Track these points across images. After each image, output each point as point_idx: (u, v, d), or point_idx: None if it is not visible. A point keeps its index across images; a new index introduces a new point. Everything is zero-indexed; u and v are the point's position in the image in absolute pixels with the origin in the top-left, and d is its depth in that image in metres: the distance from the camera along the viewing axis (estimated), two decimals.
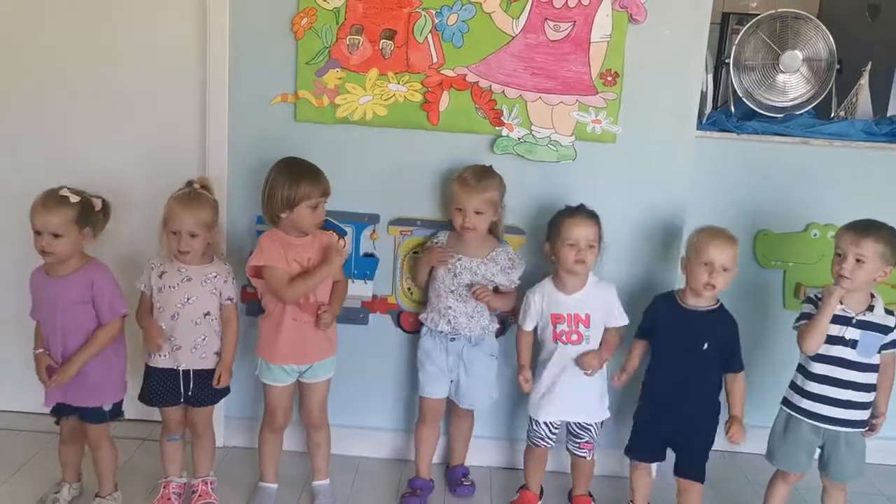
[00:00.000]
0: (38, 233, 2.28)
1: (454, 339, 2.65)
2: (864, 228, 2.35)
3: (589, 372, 2.55)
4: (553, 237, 2.56)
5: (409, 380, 2.93)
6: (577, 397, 2.60)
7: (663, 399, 2.53)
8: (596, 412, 2.63)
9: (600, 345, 2.58)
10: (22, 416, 3.04)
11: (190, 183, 2.49)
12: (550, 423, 2.62)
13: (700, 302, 2.48)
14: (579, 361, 2.54)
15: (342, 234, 2.79)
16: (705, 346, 2.46)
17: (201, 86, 2.78)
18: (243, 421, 2.93)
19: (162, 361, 2.47)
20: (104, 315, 2.38)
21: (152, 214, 2.63)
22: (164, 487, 2.58)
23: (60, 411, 2.45)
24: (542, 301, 2.59)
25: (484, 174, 2.59)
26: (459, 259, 2.61)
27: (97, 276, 2.38)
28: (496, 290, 2.65)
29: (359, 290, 2.84)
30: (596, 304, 2.57)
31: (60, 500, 2.54)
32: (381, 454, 3.01)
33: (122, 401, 2.49)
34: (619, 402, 2.75)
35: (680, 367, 2.49)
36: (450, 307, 2.62)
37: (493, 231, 2.67)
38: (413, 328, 2.88)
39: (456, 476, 2.82)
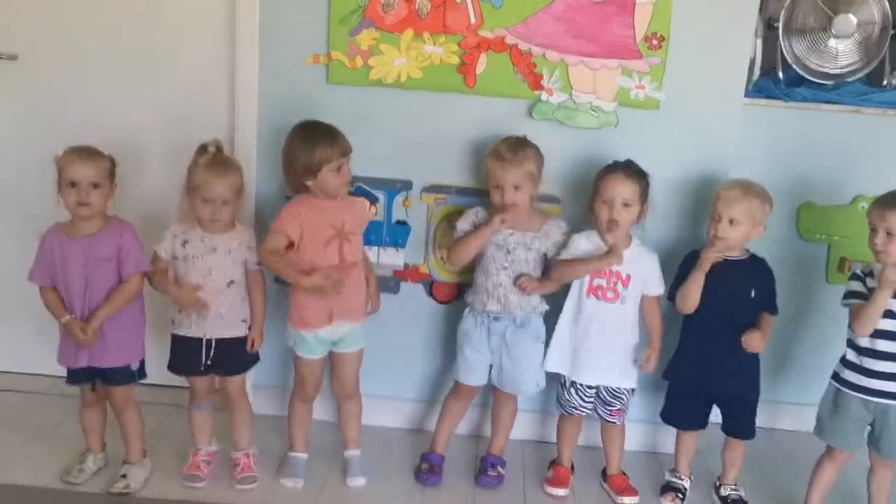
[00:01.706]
0: (72, 185, 2.23)
1: (498, 318, 2.56)
2: (890, 200, 2.31)
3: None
4: (593, 194, 2.51)
5: (440, 350, 2.87)
6: (608, 360, 2.53)
7: (707, 353, 2.48)
8: (626, 377, 2.57)
9: (649, 333, 2.55)
10: (35, 378, 3.02)
11: (204, 147, 2.41)
12: (582, 386, 2.56)
13: (733, 252, 2.45)
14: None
15: (374, 200, 2.73)
16: (752, 293, 2.44)
17: (230, 45, 2.71)
18: (272, 389, 2.89)
19: (188, 331, 2.42)
20: (129, 268, 2.33)
21: (176, 176, 2.57)
22: (193, 455, 2.54)
23: (82, 377, 2.40)
24: (585, 244, 2.51)
25: (519, 146, 2.49)
26: (512, 234, 2.52)
27: (125, 232, 2.34)
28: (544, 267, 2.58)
29: (390, 258, 2.78)
30: (638, 266, 2.50)
31: (86, 471, 2.49)
32: (410, 425, 2.97)
33: (144, 360, 2.46)
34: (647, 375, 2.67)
35: (723, 317, 2.45)
36: (500, 284, 2.53)
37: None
38: (446, 298, 2.82)
39: (485, 465, 2.68)
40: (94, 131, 2.49)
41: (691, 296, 2.44)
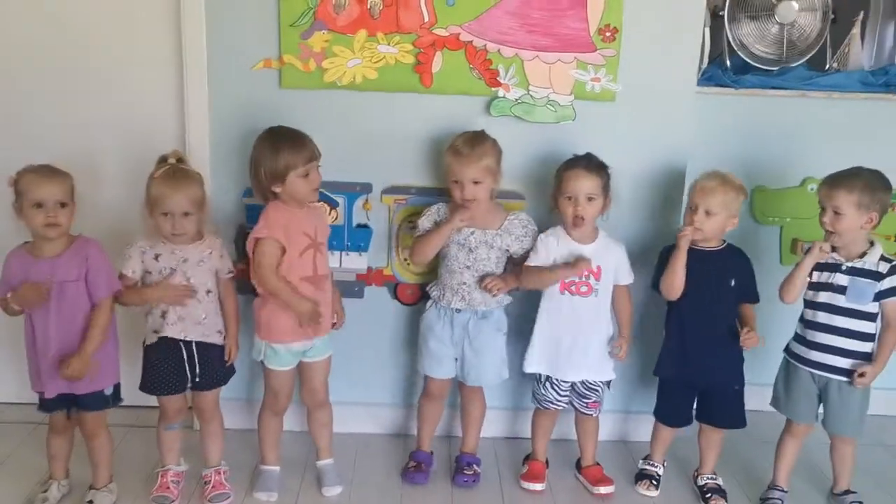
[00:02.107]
0: (39, 205, 2.15)
1: (460, 310, 2.55)
2: (835, 179, 2.38)
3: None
4: (555, 190, 2.51)
5: (407, 352, 2.85)
6: (585, 355, 2.53)
7: (692, 346, 2.50)
8: (603, 371, 2.57)
9: (619, 323, 2.57)
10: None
11: (164, 158, 2.35)
12: (558, 381, 2.56)
13: (710, 243, 2.48)
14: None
15: (334, 204, 2.68)
16: (732, 282, 2.46)
17: (177, 53, 2.63)
18: (239, 403, 2.82)
19: (170, 330, 2.34)
20: (101, 291, 2.26)
21: (130, 189, 2.54)
22: (162, 476, 2.46)
23: (55, 404, 2.30)
24: (555, 245, 2.51)
25: (477, 140, 2.47)
26: (473, 233, 2.50)
27: (91, 251, 2.25)
28: (509, 260, 2.57)
29: (353, 262, 2.74)
30: (607, 258, 2.51)
31: (50, 499, 2.39)
32: (382, 430, 2.94)
33: (119, 383, 2.37)
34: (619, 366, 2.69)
35: (707, 308, 2.47)
36: (465, 283, 2.52)
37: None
38: (411, 300, 2.79)
39: (461, 464, 2.67)
40: (39, 149, 2.40)
41: (676, 279, 2.45)
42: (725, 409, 2.56)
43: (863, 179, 2.35)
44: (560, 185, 2.48)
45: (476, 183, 2.44)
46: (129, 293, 2.33)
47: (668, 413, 2.62)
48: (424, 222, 2.57)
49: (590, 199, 2.44)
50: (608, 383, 2.61)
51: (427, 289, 2.64)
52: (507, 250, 2.55)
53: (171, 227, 2.27)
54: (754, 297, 2.51)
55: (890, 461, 2.92)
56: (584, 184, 2.43)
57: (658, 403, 2.64)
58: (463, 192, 2.45)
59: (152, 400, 2.43)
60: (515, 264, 2.58)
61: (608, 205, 2.51)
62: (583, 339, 2.53)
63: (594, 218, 2.49)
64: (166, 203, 2.25)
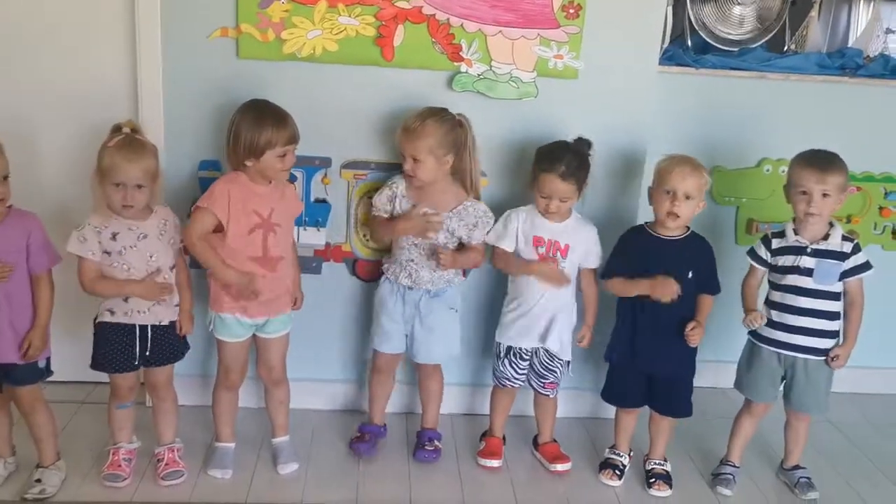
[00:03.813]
0: None
1: (412, 288, 2.53)
2: (826, 164, 2.38)
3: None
4: (532, 176, 2.49)
5: (365, 328, 2.82)
6: (548, 323, 2.53)
7: (645, 333, 2.49)
8: (562, 348, 2.57)
9: (585, 308, 2.58)
10: None
11: (118, 127, 2.27)
12: (517, 356, 2.56)
13: (671, 231, 2.45)
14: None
15: (292, 179, 2.63)
16: (689, 274, 2.44)
17: (129, 18, 2.54)
18: (193, 378, 2.77)
19: (136, 318, 2.29)
20: (42, 264, 2.21)
21: (76, 162, 2.46)
22: (113, 454, 2.41)
23: None
24: (524, 223, 2.51)
25: (427, 116, 2.42)
26: (424, 213, 2.46)
27: (33, 224, 2.20)
28: (460, 245, 2.54)
29: (311, 238, 2.70)
30: (576, 239, 2.51)
31: None
32: (337, 405, 2.92)
33: (50, 356, 2.31)
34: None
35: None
36: (412, 260, 2.50)
37: (463, 181, 2.52)
38: (370, 276, 2.77)
39: (422, 440, 2.67)
40: None
41: (627, 294, 2.47)
42: (671, 398, 2.56)
43: (841, 162, 2.39)
44: (536, 180, 2.46)
45: (415, 160, 2.40)
46: (104, 283, 2.26)
47: (615, 394, 2.62)
48: (380, 201, 2.54)
49: (563, 200, 2.44)
50: (567, 364, 2.61)
51: (382, 267, 2.61)
52: (455, 233, 2.51)
53: (123, 198, 2.20)
54: (714, 289, 2.50)
55: (836, 437, 3.00)
56: (559, 189, 2.42)
57: (605, 384, 2.64)
58: (405, 166, 2.44)
59: (102, 376, 2.37)
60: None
61: (584, 192, 2.51)
62: (549, 307, 2.51)
63: (569, 210, 2.50)
64: (119, 174, 2.18)
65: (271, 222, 2.36)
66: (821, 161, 2.39)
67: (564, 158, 2.42)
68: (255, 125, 2.28)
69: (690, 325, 2.44)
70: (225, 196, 2.31)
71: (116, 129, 2.26)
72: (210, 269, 2.34)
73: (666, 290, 2.40)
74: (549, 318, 2.52)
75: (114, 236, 2.24)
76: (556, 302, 2.52)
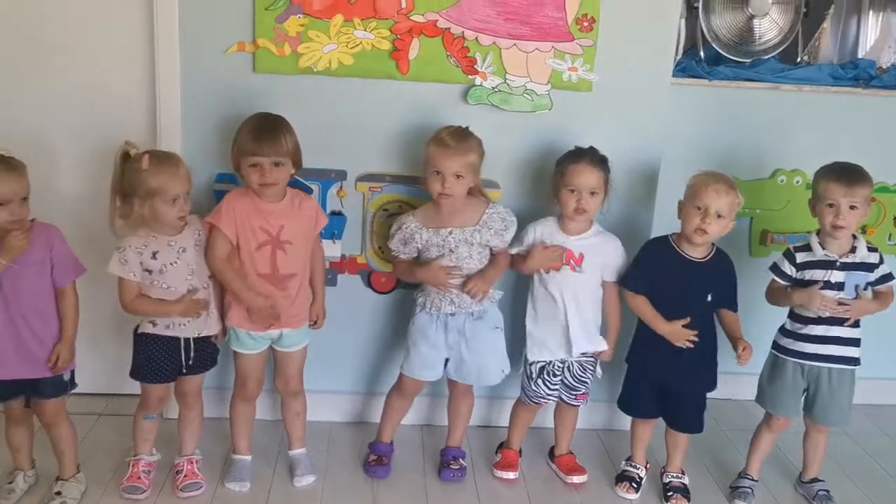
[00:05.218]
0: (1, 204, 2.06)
1: (454, 314, 2.50)
2: (854, 177, 2.36)
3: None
4: (556, 180, 2.48)
5: (381, 342, 2.84)
6: (578, 328, 2.51)
7: (658, 344, 2.47)
8: (596, 341, 2.55)
9: (607, 323, 2.57)
10: None
11: (126, 152, 2.25)
12: (549, 373, 2.54)
13: (696, 249, 2.44)
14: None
15: (308, 191, 2.65)
16: (709, 297, 2.44)
17: (149, 34, 2.56)
18: (209, 391, 2.75)
19: (178, 331, 2.32)
20: (66, 276, 2.21)
21: (94, 175, 2.47)
22: (133, 466, 2.42)
23: (10, 391, 2.23)
24: (541, 235, 2.51)
25: (464, 135, 2.43)
26: (451, 232, 2.45)
27: (55, 237, 2.20)
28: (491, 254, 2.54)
29: (327, 250, 2.69)
30: (595, 251, 2.50)
31: (17, 490, 2.34)
32: (352, 418, 2.93)
33: (75, 369, 2.32)
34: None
35: (679, 314, 2.43)
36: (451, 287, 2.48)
37: (472, 192, 2.51)
38: (385, 288, 2.78)
39: (447, 458, 2.64)
40: None
41: (645, 321, 2.49)
42: (683, 414, 2.55)
43: (867, 174, 2.39)
44: (564, 175, 2.45)
45: (458, 177, 2.39)
46: (145, 304, 2.27)
47: (629, 404, 2.62)
48: (394, 244, 2.52)
49: (593, 193, 2.44)
50: (595, 361, 2.59)
51: (414, 296, 2.58)
52: (488, 245, 2.50)
53: (179, 211, 2.23)
54: (733, 307, 2.49)
55: (854, 449, 2.98)
56: (589, 178, 2.42)
57: (622, 392, 2.64)
58: (444, 185, 2.39)
59: (121, 387, 2.40)
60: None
61: (607, 198, 2.51)
62: (573, 310, 2.49)
63: (595, 211, 2.49)
64: (171, 188, 2.19)
65: (280, 240, 2.34)
66: (848, 174, 2.37)
67: (589, 150, 2.46)
68: (239, 132, 2.31)
69: (740, 346, 2.42)
70: (231, 212, 2.32)
71: (126, 154, 2.25)
72: (237, 292, 2.34)
73: (680, 337, 2.43)
74: (576, 326, 2.51)
75: (154, 255, 2.25)
76: (581, 314, 2.51)
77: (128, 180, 2.21)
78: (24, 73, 2.64)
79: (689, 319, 2.42)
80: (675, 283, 2.44)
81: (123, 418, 2.48)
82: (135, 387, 2.42)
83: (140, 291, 2.27)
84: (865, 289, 2.40)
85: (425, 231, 2.46)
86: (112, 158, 2.27)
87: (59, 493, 2.33)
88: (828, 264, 2.40)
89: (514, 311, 2.70)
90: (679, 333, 2.43)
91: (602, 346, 2.56)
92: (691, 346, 2.42)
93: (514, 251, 2.55)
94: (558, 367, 2.56)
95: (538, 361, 2.55)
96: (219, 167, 2.61)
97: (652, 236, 2.61)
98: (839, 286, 2.39)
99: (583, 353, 2.55)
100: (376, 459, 2.62)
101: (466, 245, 2.46)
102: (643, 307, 2.48)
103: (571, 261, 2.49)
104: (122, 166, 2.24)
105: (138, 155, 2.22)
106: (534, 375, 2.57)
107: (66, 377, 2.28)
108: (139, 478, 2.40)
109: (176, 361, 2.34)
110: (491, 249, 2.53)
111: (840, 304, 2.37)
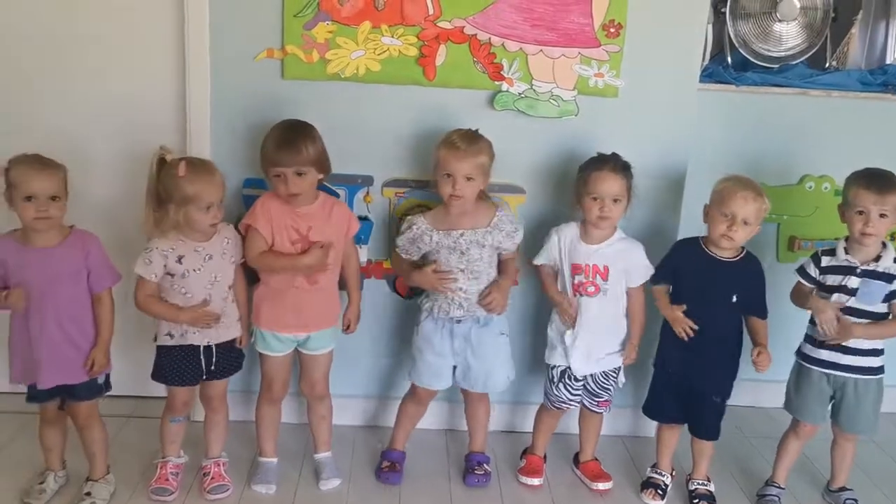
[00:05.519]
0: (29, 199, 2.10)
1: (460, 321, 2.50)
2: (886, 184, 2.33)
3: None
4: (579, 187, 2.47)
5: (403, 346, 2.84)
6: (598, 352, 2.52)
7: (687, 352, 2.46)
8: (613, 361, 2.56)
9: (630, 325, 2.55)
10: None
11: (162, 158, 2.27)
12: (571, 378, 2.54)
13: (725, 252, 2.43)
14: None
15: (334, 196, 2.66)
16: (734, 298, 2.43)
17: (179, 41, 2.60)
18: (235, 394, 2.79)
19: (191, 339, 2.34)
20: (103, 283, 2.25)
21: (127, 180, 2.51)
22: (161, 468, 2.45)
23: (46, 394, 2.27)
24: (564, 244, 2.50)
25: (474, 137, 2.43)
26: (462, 234, 2.45)
27: (91, 244, 2.23)
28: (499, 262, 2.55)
29: None
30: (618, 260, 2.48)
31: (47, 490, 2.38)
32: (377, 422, 2.94)
33: (110, 372, 2.35)
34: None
35: (705, 316, 2.43)
36: (461, 289, 2.47)
37: (481, 196, 2.51)
38: (410, 293, 2.78)
39: (471, 463, 2.64)
40: (34, 135, 2.37)
41: (658, 307, 2.51)
42: (702, 419, 2.54)
43: None
44: (587, 183, 2.44)
45: (469, 179, 2.39)
46: (157, 305, 2.30)
47: (653, 408, 2.61)
48: (402, 242, 2.52)
49: (616, 200, 2.43)
50: (618, 370, 2.58)
51: (419, 302, 2.59)
52: (499, 247, 2.50)
53: (213, 217, 2.27)
54: (761, 313, 2.48)
55: (883, 458, 2.95)
56: (612, 185, 2.41)
57: (647, 397, 2.63)
58: (454, 188, 2.39)
59: (150, 390, 2.42)
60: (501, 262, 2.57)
61: (630, 205, 2.50)
62: (590, 337, 2.50)
63: (619, 218, 2.48)
64: (206, 195, 2.22)
65: (309, 240, 2.38)
66: (879, 181, 2.35)
67: (612, 156, 2.46)
68: (266, 140, 2.35)
69: (755, 351, 2.42)
70: (266, 213, 2.37)
71: (162, 159, 2.27)
72: (284, 268, 2.38)
73: (679, 324, 2.45)
74: (578, 353, 2.52)
75: (180, 259, 2.28)
76: (595, 326, 2.51)
77: (164, 186, 2.24)
78: (56, 82, 2.69)
79: (685, 306, 2.44)
80: (699, 280, 2.44)
81: (151, 421, 2.51)
82: (162, 389, 2.46)
83: (156, 293, 2.31)
84: (886, 300, 2.37)
85: (435, 233, 2.46)
86: (144, 163, 2.30)
87: (88, 494, 2.36)
88: (847, 270, 2.38)
89: (521, 316, 2.71)
90: (679, 320, 2.44)
91: (616, 363, 2.56)
92: (687, 336, 2.43)
93: (537, 262, 2.55)
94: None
95: (558, 365, 2.56)
96: (247, 172, 2.64)
97: (692, 237, 2.59)
98: (853, 292, 2.37)
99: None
100: (389, 466, 2.63)
101: (478, 247, 2.46)
102: (659, 295, 2.51)
103: (598, 277, 2.47)
104: (157, 172, 2.26)
105: (174, 161, 2.25)
106: (555, 379, 2.57)
107: (101, 380, 2.31)
108: (167, 479, 2.43)
109: (196, 367, 2.37)
110: (500, 255, 2.53)
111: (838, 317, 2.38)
